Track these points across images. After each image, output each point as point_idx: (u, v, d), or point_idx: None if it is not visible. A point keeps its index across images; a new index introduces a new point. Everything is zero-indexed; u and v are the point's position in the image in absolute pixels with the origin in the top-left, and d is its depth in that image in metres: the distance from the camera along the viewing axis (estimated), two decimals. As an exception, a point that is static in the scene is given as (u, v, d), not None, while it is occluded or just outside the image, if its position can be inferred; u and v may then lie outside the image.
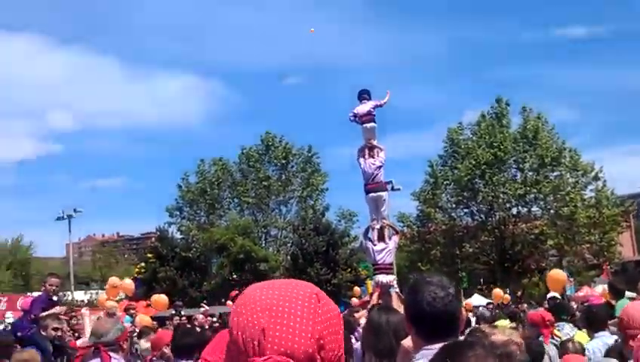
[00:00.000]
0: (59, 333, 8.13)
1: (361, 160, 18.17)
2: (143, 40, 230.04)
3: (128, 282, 19.15)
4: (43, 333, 7.88)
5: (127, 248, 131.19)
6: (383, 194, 18.46)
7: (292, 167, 51.36)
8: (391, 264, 17.75)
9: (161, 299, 18.83)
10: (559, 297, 14.54)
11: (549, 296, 15.51)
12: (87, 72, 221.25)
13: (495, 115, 44.74)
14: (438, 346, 2.20)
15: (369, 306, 13.61)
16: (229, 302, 26.78)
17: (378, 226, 17.78)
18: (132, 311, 14.97)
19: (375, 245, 17.55)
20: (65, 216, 48.67)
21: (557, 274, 14.23)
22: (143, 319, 13.11)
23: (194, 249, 46.15)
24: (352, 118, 18.52)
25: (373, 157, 18.16)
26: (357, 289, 32.15)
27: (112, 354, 4.74)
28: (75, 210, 48.73)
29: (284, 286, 1.40)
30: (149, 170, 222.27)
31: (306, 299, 1.35)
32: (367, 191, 18.12)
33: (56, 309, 8.80)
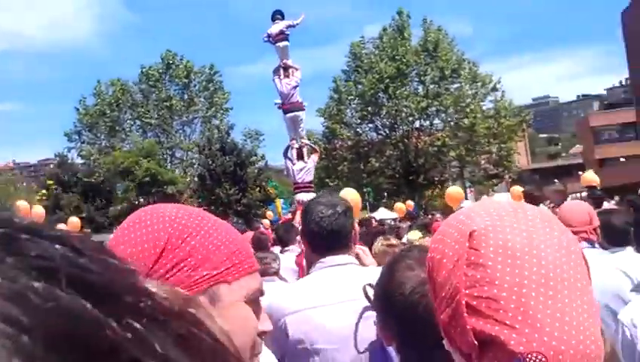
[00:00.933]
0: None
1: (277, 79, 18.14)
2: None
3: (39, 209, 18.27)
4: None
5: (25, 176, 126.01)
6: (300, 113, 18.60)
7: (194, 86, 50.15)
8: (310, 182, 17.98)
9: (74, 222, 18.11)
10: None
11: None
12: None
13: (397, 27, 44.71)
14: (329, 259, 2.65)
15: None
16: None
17: (297, 145, 17.84)
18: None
19: (294, 164, 17.63)
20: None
21: (455, 191, 14.59)
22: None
23: (97, 174, 44.78)
24: (265, 39, 18.48)
25: (289, 77, 18.17)
26: (269, 213, 32.27)
27: None
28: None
29: None
30: (44, 93, 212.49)
31: None
32: (285, 112, 18.14)
33: None
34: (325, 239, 2.70)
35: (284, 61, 18.38)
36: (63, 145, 48.47)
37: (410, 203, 26.83)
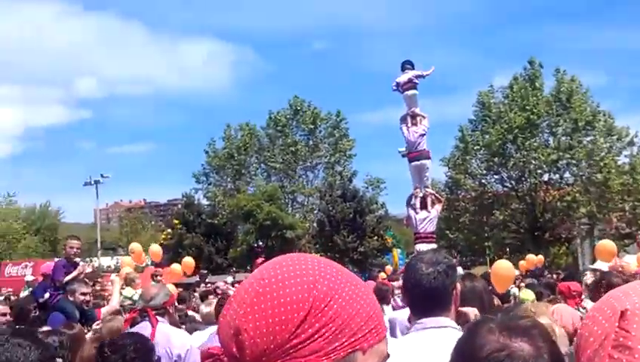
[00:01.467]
0: (87, 298, 7.76)
1: (404, 128, 18.22)
2: (167, 5, 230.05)
3: (156, 248, 18.85)
4: (70, 298, 7.52)
5: (154, 214, 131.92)
6: (427, 162, 18.62)
7: (320, 132, 50.83)
8: (432, 233, 17.75)
9: (188, 262, 18.51)
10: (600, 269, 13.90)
11: (594, 266, 14.90)
12: (112, 38, 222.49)
13: (528, 77, 43.47)
14: (426, 320, 2.60)
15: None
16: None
17: (421, 194, 17.71)
18: (158, 278, 14.61)
19: (417, 213, 17.41)
20: (92, 182, 48.61)
21: (608, 244, 13.62)
22: (170, 288, 12.63)
23: (220, 215, 45.95)
24: (394, 88, 18.71)
25: (416, 125, 18.21)
26: (388, 267, 31.86)
27: (159, 317, 4.87)
28: (102, 176, 48.61)
29: None
30: (176, 136, 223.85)
31: None
32: (410, 160, 18.12)
33: (80, 268, 8.44)
34: (423, 299, 2.66)
35: (412, 109, 18.33)
36: (190, 185, 50.31)
37: (541, 258, 25.55)
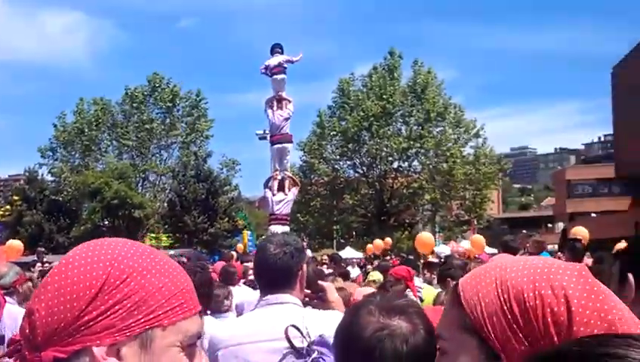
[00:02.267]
0: None
1: (269, 111, 18.33)
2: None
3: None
4: None
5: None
6: (288, 146, 18.91)
7: (178, 110, 49.56)
8: (287, 215, 17.97)
9: (14, 244, 17.24)
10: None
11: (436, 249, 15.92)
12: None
13: (387, 67, 44.68)
14: (272, 297, 2.76)
15: None
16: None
17: (280, 177, 17.88)
18: (-17, 257, 13.68)
19: (274, 195, 17.57)
20: None
21: (426, 237, 14.56)
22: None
23: (65, 192, 43.83)
24: (262, 71, 18.67)
25: (281, 109, 18.37)
26: (240, 245, 31.90)
27: (7, 297, 4.77)
28: None
29: None
30: (27, 107, 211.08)
31: None
32: (273, 143, 18.27)
33: None
34: (270, 277, 2.82)
35: (278, 93, 18.42)
36: (35, 161, 47.46)
37: (389, 240, 26.50)
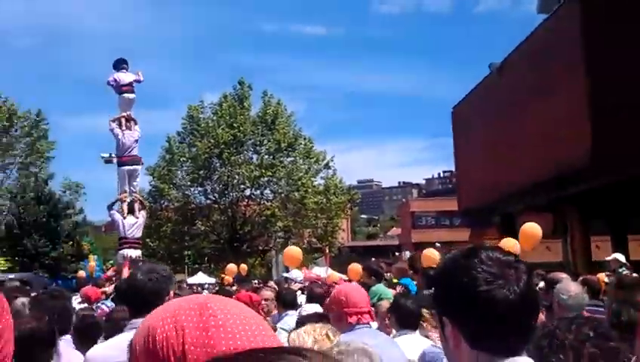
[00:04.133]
0: None
1: (118, 130, 17.52)
2: None
3: None
4: None
5: None
6: (138, 167, 18.17)
7: (16, 130, 46.68)
8: (139, 239, 17.34)
9: None
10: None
11: (288, 274, 15.99)
12: None
13: (237, 96, 44.82)
14: (136, 321, 2.95)
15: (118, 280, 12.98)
16: None
17: (129, 199, 17.28)
18: None
19: (124, 218, 16.95)
20: None
21: (293, 249, 14.78)
22: None
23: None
24: (111, 83, 17.88)
25: (130, 129, 17.69)
26: (81, 272, 30.52)
27: None
28: None
29: None
30: None
31: None
32: (121, 163, 17.60)
33: None
34: (140, 302, 3.00)
35: (127, 112, 17.78)
36: None
37: (244, 266, 26.37)
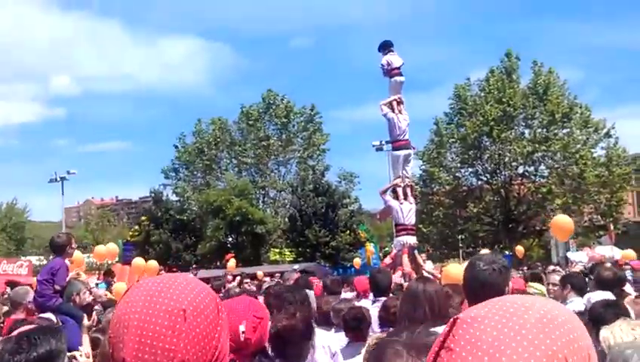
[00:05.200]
0: (89, 298, 7.32)
1: (391, 114, 16.98)
2: (146, 2, 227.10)
3: (112, 246, 17.93)
4: (76, 300, 6.96)
5: (126, 212, 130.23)
6: (412, 152, 17.62)
7: (293, 126, 49.85)
8: (414, 225, 16.82)
9: (149, 264, 17.23)
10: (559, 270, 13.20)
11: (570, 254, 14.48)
12: (90, 36, 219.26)
13: (505, 69, 42.95)
14: None
15: (402, 271, 12.54)
16: (231, 264, 25.57)
17: (403, 185, 16.76)
18: (110, 278, 13.60)
19: (402, 203, 16.45)
20: (58, 179, 46.84)
21: (563, 220, 12.42)
22: (118, 287, 11.66)
23: (189, 211, 44.85)
24: (384, 67, 17.46)
25: (401, 113, 17.08)
26: (357, 260, 31.19)
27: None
28: (68, 172, 46.74)
29: (148, 301, 1.28)
30: (150, 133, 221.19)
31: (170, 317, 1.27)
32: (398, 148, 17.06)
33: (73, 273, 7.61)
34: (479, 293, 2.95)
35: (399, 96, 17.26)
36: (160, 182, 49.07)
37: (520, 249, 25.07)
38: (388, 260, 16.91)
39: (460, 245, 45.19)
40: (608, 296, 5.50)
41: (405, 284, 8.79)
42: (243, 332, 2.58)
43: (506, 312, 0.96)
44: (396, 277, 10.72)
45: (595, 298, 5.55)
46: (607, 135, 41.66)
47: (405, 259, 14.95)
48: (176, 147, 49.76)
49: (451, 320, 0.99)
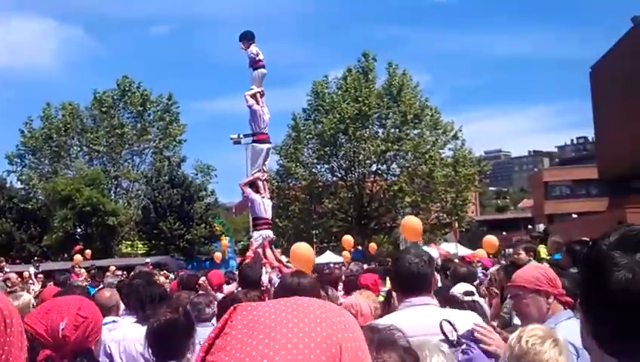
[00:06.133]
0: None
1: (256, 106, 16.73)
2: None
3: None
4: None
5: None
6: (271, 146, 17.56)
7: (149, 115, 48.46)
8: (270, 219, 16.90)
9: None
10: None
11: None
12: None
13: (362, 69, 44.24)
14: (415, 299, 3.32)
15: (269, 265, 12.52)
16: (77, 257, 24.50)
17: (264, 178, 16.73)
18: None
19: (263, 197, 16.43)
20: None
21: (413, 222, 12.87)
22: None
23: (35, 200, 42.52)
24: (252, 56, 16.96)
25: (264, 107, 16.94)
26: (218, 254, 30.94)
27: None
28: None
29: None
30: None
31: None
32: (260, 141, 16.85)
33: None
34: (409, 283, 3.31)
35: (261, 88, 17.12)
36: (3, 168, 46.11)
37: (373, 245, 25.69)
38: (250, 254, 16.84)
39: (314, 240, 46.10)
40: (468, 286, 5.91)
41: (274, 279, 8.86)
42: (62, 329, 2.50)
43: (287, 303, 1.00)
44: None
45: (457, 290, 5.94)
46: (455, 137, 43.96)
47: (269, 253, 15.03)
48: (22, 132, 46.88)
49: (231, 308, 1.00)
